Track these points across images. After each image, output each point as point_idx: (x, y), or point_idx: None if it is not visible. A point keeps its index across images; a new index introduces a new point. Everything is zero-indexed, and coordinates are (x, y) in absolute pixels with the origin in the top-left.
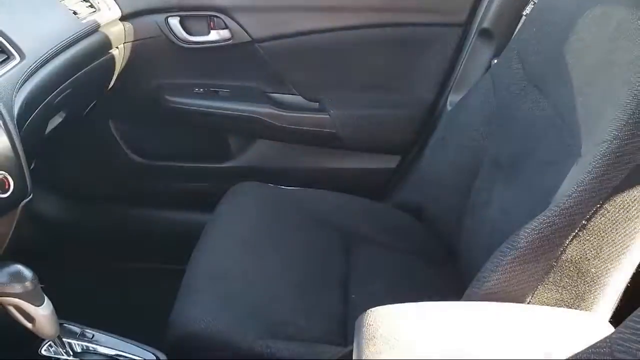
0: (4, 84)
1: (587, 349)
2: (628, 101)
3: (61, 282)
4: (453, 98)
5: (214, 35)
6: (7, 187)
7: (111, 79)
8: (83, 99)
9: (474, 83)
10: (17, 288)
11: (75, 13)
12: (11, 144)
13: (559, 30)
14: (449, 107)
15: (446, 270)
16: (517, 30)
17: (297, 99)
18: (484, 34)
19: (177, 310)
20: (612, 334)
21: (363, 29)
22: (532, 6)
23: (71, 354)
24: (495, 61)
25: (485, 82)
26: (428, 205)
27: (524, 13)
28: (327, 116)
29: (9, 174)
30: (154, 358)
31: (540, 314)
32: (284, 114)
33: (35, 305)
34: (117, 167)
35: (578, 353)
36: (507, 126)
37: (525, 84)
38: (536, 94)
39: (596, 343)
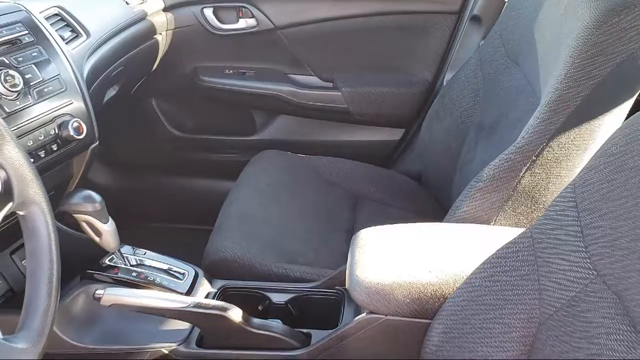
0: (76, 55)
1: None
2: (566, 60)
3: None
4: (449, 77)
5: (242, 24)
6: (81, 131)
7: (155, 61)
8: (132, 77)
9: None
10: (89, 207)
11: (127, 3)
12: (83, 99)
13: (530, 12)
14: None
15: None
16: (500, 15)
17: (313, 79)
18: (474, 20)
19: (211, 242)
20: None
21: (370, 17)
22: None
23: (128, 265)
24: (482, 42)
25: (473, 60)
26: (426, 170)
27: (506, 0)
28: (339, 94)
29: (82, 122)
30: (196, 272)
31: (494, 231)
32: (302, 92)
33: (102, 222)
34: (158, 140)
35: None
36: (490, 96)
37: (505, 60)
38: (513, 67)
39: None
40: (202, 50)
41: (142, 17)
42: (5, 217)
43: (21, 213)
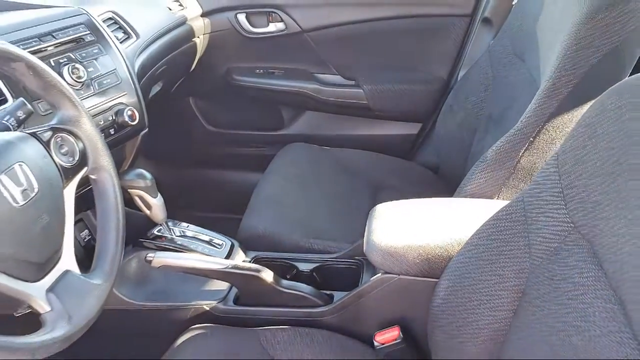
0: (129, 53)
1: None
2: (559, 52)
3: None
4: (462, 74)
5: (272, 27)
6: (134, 118)
7: (193, 62)
8: (173, 76)
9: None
10: (141, 183)
11: (170, 9)
12: (135, 91)
13: (534, 12)
14: None
15: None
16: (508, 16)
17: (336, 77)
18: (485, 21)
19: (245, 221)
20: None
21: (389, 20)
22: None
23: (173, 235)
24: (492, 42)
25: (484, 58)
26: (442, 161)
27: (513, 3)
28: (361, 91)
29: (135, 110)
30: (232, 243)
31: (495, 203)
32: (326, 89)
33: (152, 197)
34: (195, 135)
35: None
36: (498, 90)
37: (512, 57)
38: (519, 63)
39: (517, 197)
40: (235, 52)
41: (183, 22)
42: (79, 186)
43: (93, 177)
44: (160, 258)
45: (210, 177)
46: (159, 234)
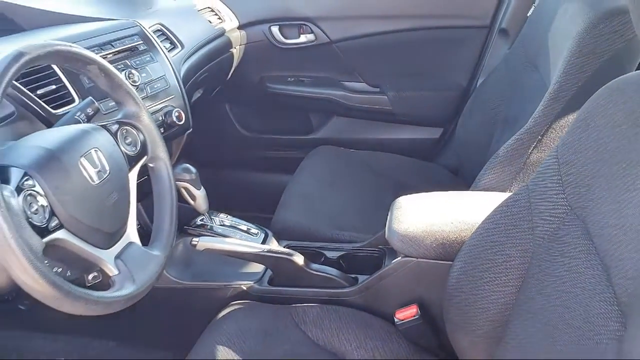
0: (175, 61)
1: None
2: (565, 58)
3: None
4: (480, 81)
5: (302, 39)
6: (181, 119)
7: (230, 71)
8: (212, 83)
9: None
10: (187, 176)
11: (210, 22)
12: (182, 95)
13: (546, 24)
14: None
15: None
16: (523, 27)
17: (362, 85)
18: (502, 32)
19: (277, 214)
20: None
21: (412, 31)
22: (533, 9)
23: (215, 224)
24: (508, 51)
25: (501, 67)
26: (462, 163)
27: (528, 14)
28: (385, 97)
29: (182, 111)
30: (266, 232)
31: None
32: (353, 96)
33: (196, 189)
34: (229, 139)
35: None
36: (513, 95)
37: (526, 65)
38: (532, 70)
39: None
40: (268, 62)
41: (221, 34)
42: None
43: (151, 165)
44: (204, 242)
45: (243, 179)
46: (202, 222)
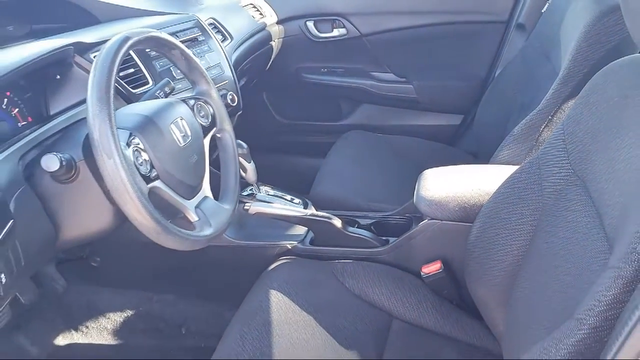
0: (227, 50)
1: None
2: (573, 47)
3: None
4: (498, 71)
5: (335, 32)
6: (234, 101)
7: (269, 62)
8: (254, 73)
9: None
10: (239, 150)
11: (253, 17)
12: (234, 80)
13: (558, 19)
14: None
15: None
16: (538, 22)
17: (390, 75)
18: (519, 27)
19: (314, 188)
20: None
21: (437, 26)
22: (547, 5)
23: (262, 193)
24: (525, 44)
25: (518, 58)
26: (480, 146)
27: (543, 11)
28: (411, 86)
29: (235, 94)
30: (307, 201)
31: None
32: (381, 85)
33: (247, 162)
34: (266, 125)
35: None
36: (528, 84)
37: (540, 56)
38: (545, 61)
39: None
40: (303, 54)
41: (263, 28)
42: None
43: (219, 135)
44: (255, 207)
45: (278, 162)
46: (251, 192)
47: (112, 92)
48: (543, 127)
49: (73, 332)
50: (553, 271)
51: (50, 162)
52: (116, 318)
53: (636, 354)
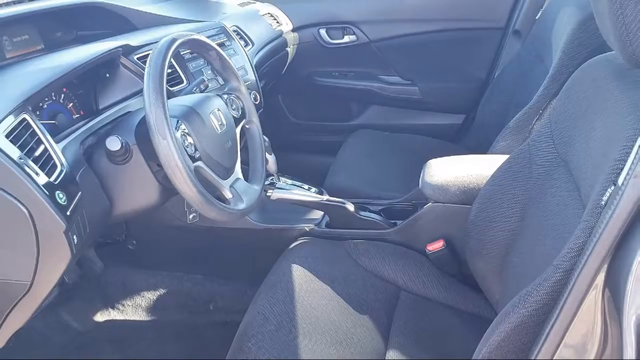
0: (249, 54)
1: None
2: (561, 48)
3: None
4: (497, 74)
5: (346, 39)
6: (257, 99)
7: (284, 67)
8: (271, 76)
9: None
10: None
11: (270, 25)
12: (256, 80)
13: (550, 23)
14: None
15: None
16: (533, 28)
17: (396, 78)
18: (515, 33)
19: (327, 179)
20: None
21: (439, 32)
22: (541, 13)
23: (281, 182)
24: (520, 48)
25: (514, 61)
26: (480, 143)
27: (537, 18)
28: (416, 88)
29: (257, 93)
30: (322, 191)
31: None
32: (388, 87)
33: (269, 154)
34: (280, 125)
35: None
36: (524, 84)
37: (535, 58)
38: (539, 63)
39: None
40: (316, 59)
41: (279, 35)
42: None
43: (247, 127)
44: (277, 193)
45: (291, 160)
46: (272, 181)
47: (164, 84)
48: (535, 120)
49: (110, 309)
50: (539, 240)
51: (114, 143)
52: (149, 296)
53: (588, 283)
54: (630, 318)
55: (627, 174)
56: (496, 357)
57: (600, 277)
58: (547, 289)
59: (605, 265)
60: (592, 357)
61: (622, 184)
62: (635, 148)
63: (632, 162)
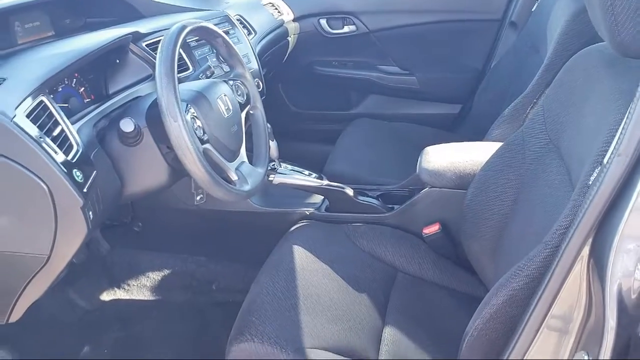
0: (252, 43)
1: None
2: (555, 39)
3: None
4: (493, 64)
5: (345, 29)
6: (260, 86)
7: (285, 56)
8: (273, 65)
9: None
10: None
11: (272, 14)
12: (259, 67)
13: (545, 16)
14: None
15: None
16: (528, 20)
17: (395, 68)
18: (512, 24)
19: (327, 166)
20: None
21: (437, 24)
22: (536, 5)
23: (281, 168)
24: (516, 39)
25: (510, 52)
26: (476, 132)
27: (532, 9)
28: (414, 78)
29: (260, 80)
30: (322, 176)
31: None
32: (387, 77)
33: (271, 140)
34: (280, 114)
35: None
36: (519, 74)
37: (530, 49)
38: (534, 54)
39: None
40: (316, 48)
41: (281, 24)
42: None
43: (252, 112)
44: (278, 178)
45: (291, 148)
46: (273, 166)
47: (175, 68)
48: (529, 109)
49: (116, 289)
50: (531, 221)
51: (127, 125)
52: (154, 277)
53: (574, 256)
54: (612, 286)
55: (612, 152)
56: (488, 328)
57: (585, 250)
58: (537, 264)
59: (590, 239)
60: (577, 325)
61: (607, 162)
62: (620, 129)
63: (617, 142)
